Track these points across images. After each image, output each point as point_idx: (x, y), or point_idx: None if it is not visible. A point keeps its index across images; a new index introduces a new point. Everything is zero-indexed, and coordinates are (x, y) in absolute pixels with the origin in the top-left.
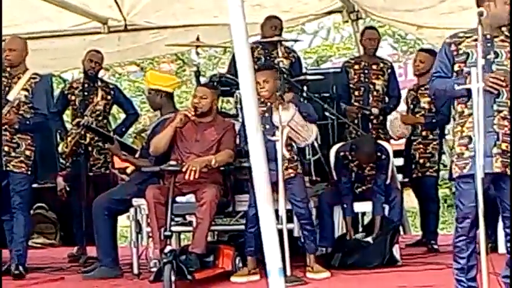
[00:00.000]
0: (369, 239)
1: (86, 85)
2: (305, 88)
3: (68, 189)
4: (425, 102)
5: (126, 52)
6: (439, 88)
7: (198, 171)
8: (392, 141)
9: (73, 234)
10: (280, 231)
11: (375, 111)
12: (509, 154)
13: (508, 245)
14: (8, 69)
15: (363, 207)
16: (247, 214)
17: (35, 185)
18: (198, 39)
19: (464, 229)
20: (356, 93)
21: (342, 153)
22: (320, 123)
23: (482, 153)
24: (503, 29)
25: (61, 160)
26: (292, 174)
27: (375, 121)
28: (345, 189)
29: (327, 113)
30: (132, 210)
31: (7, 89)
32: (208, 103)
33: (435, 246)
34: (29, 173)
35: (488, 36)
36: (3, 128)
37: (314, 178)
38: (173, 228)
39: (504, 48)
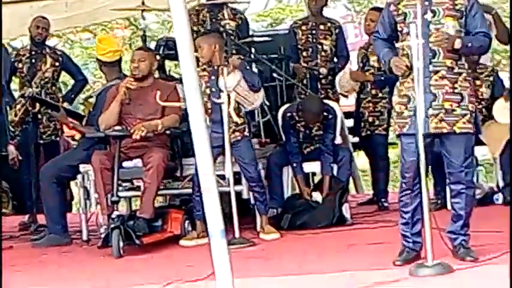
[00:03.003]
0: (318, 198)
1: (34, 52)
2: (253, 50)
3: (20, 157)
4: (375, 61)
5: (74, 18)
6: (376, 52)
7: (145, 133)
8: (344, 102)
9: (25, 203)
10: (228, 194)
11: (323, 71)
12: (455, 112)
13: (453, 200)
14: None
15: (312, 167)
16: (194, 177)
17: None
18: (143, 3)
19: (407, 183)
20: (304, 53)
21: (289, 114)
22: (268, 84)
23: (423, 110)
24: None
25: (11, 128)
26: (239, 137)
27: (323, 81)
28: (293, 149)
29: (275, 74)
30: (79, 176)
31: None
32: (147, 65)
33: (385, 204)
34: None
35: None
36: None
37: (264, 140)
38: (120, 194)
39: (442, 5)
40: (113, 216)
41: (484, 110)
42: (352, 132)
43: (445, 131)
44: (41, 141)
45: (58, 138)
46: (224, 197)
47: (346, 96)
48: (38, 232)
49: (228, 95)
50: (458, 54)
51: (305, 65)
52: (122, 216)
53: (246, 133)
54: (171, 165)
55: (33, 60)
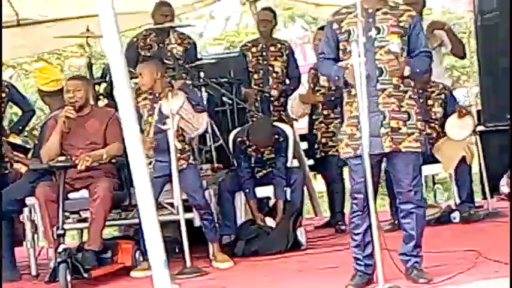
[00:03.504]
0: (272, 224)
1: None
2: (202, 74)
3: None
4: (325, 81)
5: (21, 48)
6: (324, 73)
7: (90, 162)
8: (299, 124)
9: None
10: (178, 222)
11: (274, 93)
12: (401, 131)
13: (403, 221)
14: None
15: (265, 191)
16: None
17: None
18: (87, 29)
19: (358, 205)
20: (255, 76)
21: (239, 139)
22: (219, 108)
23: (367, 130)
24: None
25: None
26: (184, 165)
27: (276, 103)
28: (245, 174)
29: (225, 98)
30: (26, 209)
31: None
32: (83, 95)
33: (342, 227)
34: None
35: (370, 11)
36: None
37: (216, 165)
38: (66, 226)
39: (386, 22)
40: (59, 249)
41: (437, 127)
42: (306, 154)
43: (392, 149)
44: None
45: (7, 171)
46: (175, 225)
47: (296, 120)
48: None
49: (173, 120)
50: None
51: (256, 87)
52: (68, 249)
53: (191, 160)
54: (119, 194)
55: None
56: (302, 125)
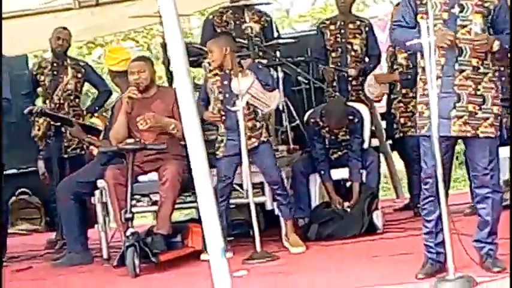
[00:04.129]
0: (346, 207)
1: (55, 64)
2: (277, 53)
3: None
4: (403, 58)
5: (100, 27)
6: (399, 39)
7: (152, 122)
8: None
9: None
10: (248, 205)
11: (352, 72)
12: (477, 115)
13: (478, 206)
14: None
15: (340, 173)
16: (216, 188)
17: (13, 171)
18: None
19: (429, 190)
20: (333, 54)
21: (312, 120)
22: (295, 88)
23: (436, 111)
24: None
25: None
26: (255, 143)
27: (354, 82)
28: (319, 155)
29: (300, 78)
30: (97, 192)
31: None
32: (148, 76)
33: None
34: None
35: None
36: None
37: (292, 147)
38: (135, 209)
39: (471, 1)
40: (128, 233)
41: None
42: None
43: (468, 134)
44: (66, 156)
45: (83, 152)
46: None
47: (378, 101)
48: (63, 250)
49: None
50: (484, 53)
51: (334, 66)
52: (137, 233)
53: (263, 138)
54: (189, 177)
55: (55, 73)
56: (383, 104)
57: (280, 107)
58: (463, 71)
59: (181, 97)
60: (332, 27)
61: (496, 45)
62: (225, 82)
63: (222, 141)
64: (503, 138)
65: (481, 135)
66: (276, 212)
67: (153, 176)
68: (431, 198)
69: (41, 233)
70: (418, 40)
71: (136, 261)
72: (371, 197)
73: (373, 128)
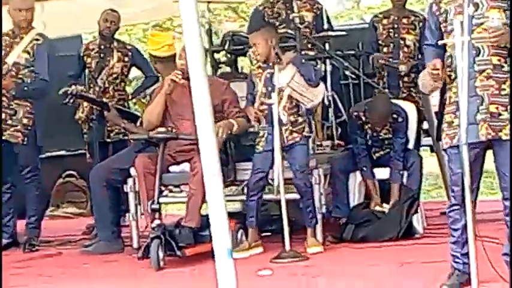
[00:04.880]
0: (384, 209)
1: (102, 47)
2: (327, 45)
3: None
4: None
5: (153, 11)
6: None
7: (225, 134)
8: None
9: None
10: (278, 203)
11: (402, 68)
12: (501, 117)
13: (507, 218)
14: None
15: (381, 173)
16: (249, 182)
17: (61, 152)
18: None
19: (456, 198)
20: (385, 49)
21: (355, 114)
22: (343, 82)
23: (465, 117)
24: None
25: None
26: (297, 139)
27: (405, 79)
28: (361, 151)
29: (347, 72)
30: (130, 180)
31: (8, 49)
32: None
33: None
34: (25, 143)
35: None
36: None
37: (337, 142)
38: (165, 200)
39: None
40: (153, 225)
41: None
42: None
43: (489, 137)
44: (109, 140)
45: (126, 137)
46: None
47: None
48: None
49: (281, 94)
50: (508, 50)
51: (384, 61)
52: (163, 225)
53: (305, 133)
54: (223, 170)
55: (102, 55)
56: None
57: (327, 102)
58: (483, 71)
59: (196, 92)
60: (385, 21)
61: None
62: (268, 75)
63: (263, 135)
64: None
65: (504, 137)
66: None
67: (186, 166)
68: (458, 207)
69: (87, 216)
70: (451, 40)
71: (161, 254)
72: (411, 200)
73: (428, 126)
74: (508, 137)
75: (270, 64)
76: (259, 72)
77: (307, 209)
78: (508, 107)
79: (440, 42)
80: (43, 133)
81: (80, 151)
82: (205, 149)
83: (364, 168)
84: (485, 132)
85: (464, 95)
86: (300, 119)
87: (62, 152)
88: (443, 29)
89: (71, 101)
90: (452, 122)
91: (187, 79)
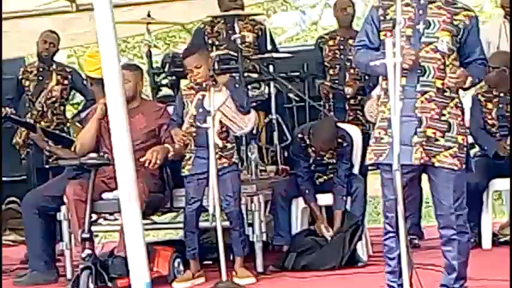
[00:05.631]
0: (327, 236)
1: (41, 69)
2: (271, 67)
3: None
4: None
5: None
6: (360, 61)
7: (161, 161)
8: None
9: None
10: (215, 230)
11: (348, 90)
12: (437, 142)
13: (444, 248)
14: None
15: (324, 199)
16: (185, 212)
17: (4, 178)
18: (148, 15)
19: (390, 225)
20: (331, 71)
21: (300, 135)
22: (289, 105)
23: (398, 138)
24: None
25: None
26: (225, 164)
27: (351, 101)
28: (304, 174)
29: (291, 95)
30: (63, 208)
31: None
32: (132, 87)
33: (415, 242)
34: None
35: (422, 2)
36: None
37: (281, 167)
38: (95, 228)
39: (438, 17)
40: (83, 255)
41: None
42: None
43: (423, 161)
44: (47, 166)
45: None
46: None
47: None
48: None
49: (214, 117)
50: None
51: (330, 83)
52: (93, 254)
53: (234, 159)
54: (158, 197)
55: (40, 78)
56: None
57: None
58: (425, 92)
59: (112, 107)
60: (331, 42)
61: (468, 82)
62: (200, 97)
63: (189, 158)
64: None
65: (436, 164)
66: (251, 238)
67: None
68: (392, 234)
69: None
70: (382, 61)
71: (91, 286)
72: (355, 226)
73: None
74: (442, 164)
75: (204, 86)
76: (191, 93)
77: (239, 238)
78: (446, 134)
79: (371, 63)
80: None
81: (22, 177)
82: (121, 172)
83: (307, 191)
84: (419, 156)
85: (396, 118)
86: (229, 145)
87: (5, 178)
88: (382, 37)
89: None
90: (382, 139)
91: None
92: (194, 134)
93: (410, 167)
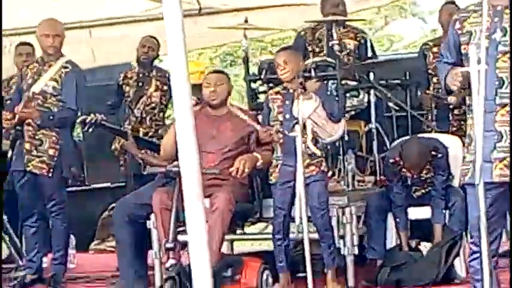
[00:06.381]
0: (423, 251)
1: (141, 75)
2: (371, 75)
3: None
4: None
5: (204, 38)
6: (441, 77)
7: (248, 168)
8: None
9: None
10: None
11: (452, 100)
12: None
13: None
14: (41, 55)
15: (422, 213)
16: (273, 222)
17: (107, 184)
18: (246, 21)
19: (476, 244)
20: (435, 79)
21: (391, 160)
22: (386, 114)
23: (480, 155)
24: None
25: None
26: (314, 172)
27: (455, 111)
28: (397, 199)
29: (391, 104)
30: (153, 216)
31: (35, 77)
32: (225, 90)
33: None
34: (50, 174)
35: (499, 8)
36: (26, 122)
37: (380, 178)
38: (180, 238)
39: None
40: (167, 265)
41: None
42: None
43: (507, 179)
44: (144, 173)
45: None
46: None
47: None
48: None
49: (304, 125)
50: None
51: (433, 92)
52: (178, 264)
53: (323, 168)
54: (246, 206)
55: (140, 84)
56: None
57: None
58: (505, 105)
59: (179, 115)
60: (435, 49)
61: None
62: (287, 102)
63: (276, 165)
64: None
65: None
66: (342, 251)
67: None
68: (478, 255)
69: None
70: (465, 68)
71: None
72: (452, 242)
73: None
74: None
75: (291, 91)
76: (278, 97)
77: (329, 249)
78: None
79: (454, 72)
80: (70, 164)
81: (123, 183)
82: (186, 170)
83: (398, 220)
84: (499, 172)
85: (479, 128)
86: (319, 152)
87: (107, 184)
88: (463, 51)
89: (90, 130)
90: (465, 158)
91: (214, 107)
92: (281, 141)
93: (493, 184)
